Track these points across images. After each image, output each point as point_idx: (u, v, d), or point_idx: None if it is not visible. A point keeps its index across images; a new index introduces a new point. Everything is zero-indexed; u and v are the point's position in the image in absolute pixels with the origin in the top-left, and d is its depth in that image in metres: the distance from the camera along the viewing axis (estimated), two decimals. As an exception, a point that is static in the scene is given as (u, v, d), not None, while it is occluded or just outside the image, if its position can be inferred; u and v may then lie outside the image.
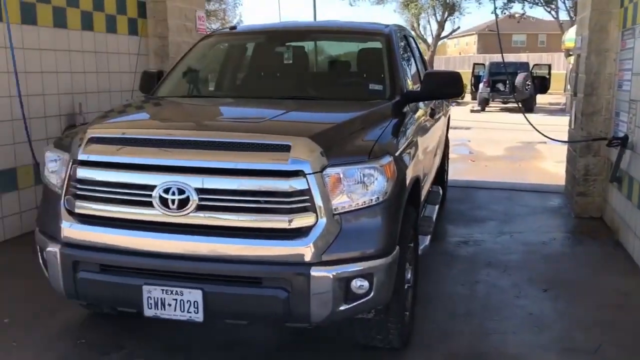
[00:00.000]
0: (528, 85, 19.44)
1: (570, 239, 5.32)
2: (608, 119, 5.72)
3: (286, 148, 2.56)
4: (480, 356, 3.16)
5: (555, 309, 3.76)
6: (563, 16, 30.79)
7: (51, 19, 5.50)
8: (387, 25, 4.34)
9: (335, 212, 2.58)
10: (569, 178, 6.62)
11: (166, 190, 2.55)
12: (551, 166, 9.14)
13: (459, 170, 8.67)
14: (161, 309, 2.61)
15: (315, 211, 2.53)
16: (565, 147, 6.98)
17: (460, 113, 18.39)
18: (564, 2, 29.51)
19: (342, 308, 2.58)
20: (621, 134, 5.11)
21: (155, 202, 2.57)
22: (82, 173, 2.74)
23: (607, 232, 5.40)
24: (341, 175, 2.61)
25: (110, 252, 2.68)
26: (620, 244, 5.02)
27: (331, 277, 2.52)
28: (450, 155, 7.39)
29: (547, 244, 5.14)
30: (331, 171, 2.58)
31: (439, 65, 41.85)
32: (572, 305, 3.82)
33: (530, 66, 22.03)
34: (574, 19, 28.59)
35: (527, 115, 6.18)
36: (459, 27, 38.21)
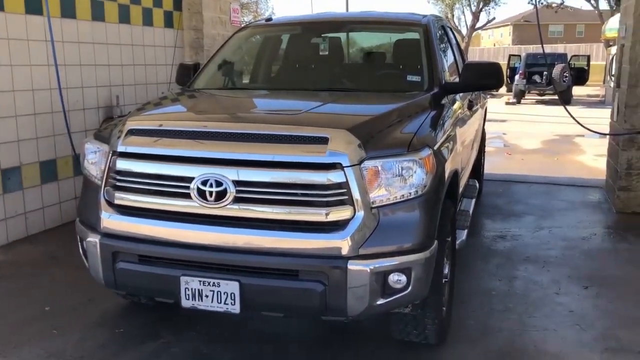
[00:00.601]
0: (566, 76, 18.95)
1: (611, 235, 5.17)
2: (653, 111, 5.53)
3: (324, 140, 2.54)
4: (519, 353, 3.10)
5: (597, 307, 3.66)
6: (603, 5, 29.95)
7: (89, 12, 5.58)
8: (424, 16, 4.27)
9: (373, 206, 2.55)
10: (610, 172, 6.43)
11: (204, 182, 2.55)
12: (590, 160, 8.90)
13: (495, 163, 8.51)
14: (198, 300, 2.62)
15: (352, 204, 2.50)
16: (604, 141, 6.79)
17: (495, 105, 18.04)
18: (605, -9, 28.65)
19: (379, 302, 2.56)
20: (667, 127, 4.93)
21: (193, 194, 2.57)
22: (121, 164, 2.77)
23: (650, 228, 5.24)
24: (379, 168, 2.57)
25: (149, 243, 2.70)
26: (664, 240, 4.87)
27: (368, 270, 2.49)
28: (486, 149, 7.25)
29: (588, 239, 5.00)
30: (369, 164, 2.55)
31: (474, 56, 41.15)
32: (615, 303, 3.70)
33: (569, 57, 21.48)
34: (614, 8, 27.78)
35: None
36: (494, 18, 37.53)
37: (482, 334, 3.30)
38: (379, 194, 2.57)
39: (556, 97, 18.65)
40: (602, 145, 6.98)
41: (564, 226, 5.38)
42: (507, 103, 20.14)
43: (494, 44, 58.62)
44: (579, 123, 5.68)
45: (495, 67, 3.61)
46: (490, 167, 7.75)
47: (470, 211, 4.51)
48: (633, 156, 5.69)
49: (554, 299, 3.77)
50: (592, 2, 30.55)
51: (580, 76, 20.41)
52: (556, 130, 12.16)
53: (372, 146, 2.60)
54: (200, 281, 2.60)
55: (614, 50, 16.36)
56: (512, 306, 3.66)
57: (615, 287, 3.95)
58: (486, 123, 6.64)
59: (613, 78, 7.47)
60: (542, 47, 6.32)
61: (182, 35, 7.01)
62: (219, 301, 2.58)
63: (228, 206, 2.56)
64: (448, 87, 3.72)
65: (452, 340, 3.19)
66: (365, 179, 2.54)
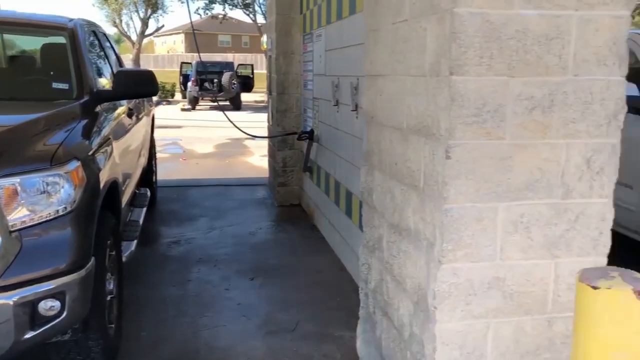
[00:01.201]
0: (234, 84, 20.38)
1: (274, 227, 5.73)
2: (298, 115, 6.32)
3: (-60, 158, 2.15)
4: (191, 355, 3.16)
5: (260, 296, 4.00)
6: (261, 19, 33.11)
7: None
8: (71, 19, 4.01)
9: (14, 229, 2.28)
10: (271, 170, 7.13)
11: None
12: (257, 160, 9.75)
13: (170, 169, 8.61)
14: None
15: (-14, 230, 2.19)
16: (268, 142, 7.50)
17: (171, 112, 18.36)
18: (260, 6, 31.72)
19: (28, 336, 2.29)
20: (309, 129, 5.70)
21: None
22: None
23: (304, 217, 5.98)
24: (18, 187, 2.31)
25: None
26: (315, 226, 5.61)
27: (11, 303, 2.22)
28: (161, 155, 7.31)
29: (254, 234, 5.44)
30: (5, 182, 2.28)
31: (147, 63, 40.93)
32: (275, 290, 4.10)
33: (236, 66, 23.20)
34: (270, 22, 31.04)
35: (235, 112, 6.45)
36: (163, 25, 38.08)
37: (154, 344, 3.26)
38: (20, 215, 2.31)
39: (228, 102, 19.92)
40: (267, 147, 7.70)
41: (234, 224, 5.74)
42: (183, 109, 20.64)
43: (167, 51, 59.37)
44: (237, 128, 6.10)
45: (148, 74, 3.61)
46: (166, 173, 7.82)
47: (141, 220, 4.44)
48: (287, 155, 6.42)
49: (224, 295, 3.98)
50: (251, 15, 33.52)
51: (247, 83, 22.27)
52: (228, 134, 12.94)
53: (6, 162, 2.33)
54: None
55: (271, 60, 18.36)
56: (186, 309, 3.73)
57: (276, 274, 4.38)
58: (162, 130, 6.69)
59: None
60: (199, 55, 6.65)
61: None
62: None
63: None
64: (102, 95, 3.58)
65: (123, 356, 3.08)
66: (1, 200, 2.26)
